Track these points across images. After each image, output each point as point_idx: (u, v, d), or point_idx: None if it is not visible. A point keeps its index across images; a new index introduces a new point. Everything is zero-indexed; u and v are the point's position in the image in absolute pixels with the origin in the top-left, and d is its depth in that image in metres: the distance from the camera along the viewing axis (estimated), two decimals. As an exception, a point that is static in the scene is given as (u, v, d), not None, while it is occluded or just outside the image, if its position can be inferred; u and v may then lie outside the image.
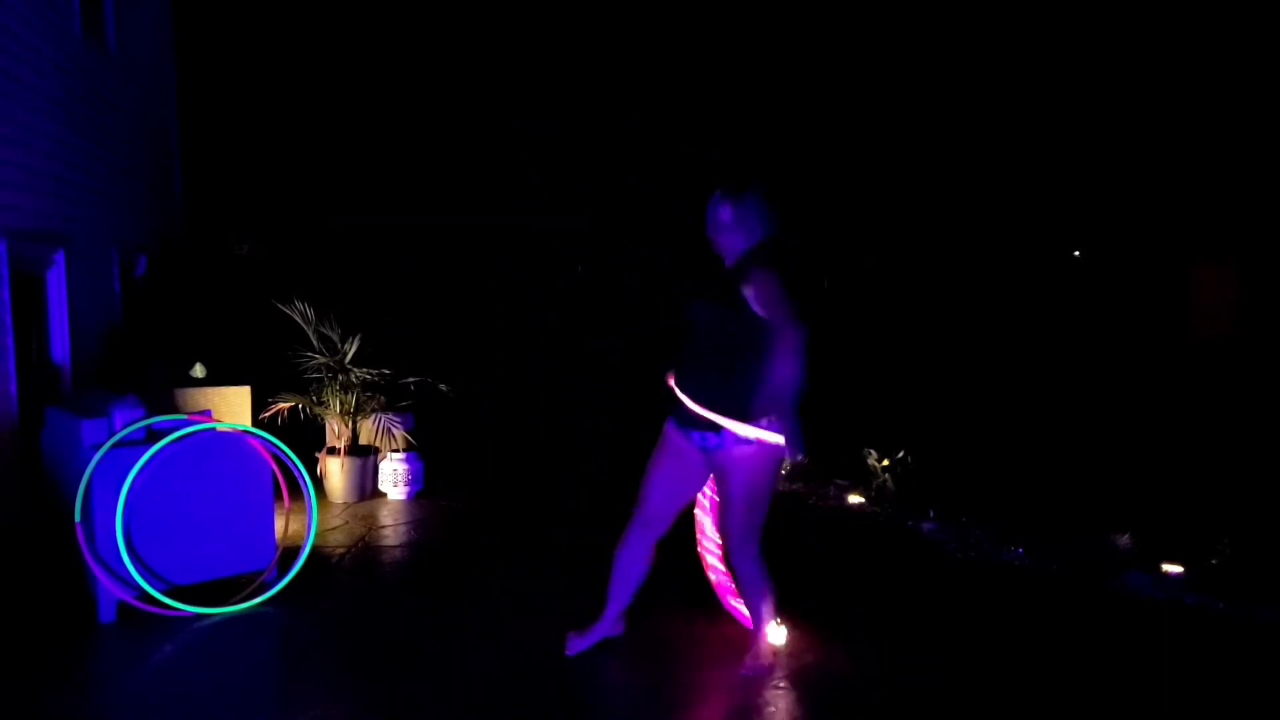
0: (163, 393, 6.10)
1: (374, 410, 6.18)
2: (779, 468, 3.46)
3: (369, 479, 6.23)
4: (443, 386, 6.54)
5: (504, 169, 19.18)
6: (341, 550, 5.18)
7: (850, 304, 17.39)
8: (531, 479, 7.03)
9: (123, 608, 4.08)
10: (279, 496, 4.73)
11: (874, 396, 10.15)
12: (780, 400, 3.18)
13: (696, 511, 4.04)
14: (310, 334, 6.25)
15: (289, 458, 4.51)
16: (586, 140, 19.18)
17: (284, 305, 6.27)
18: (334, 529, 5.56)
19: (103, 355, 6.97)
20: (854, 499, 6.29)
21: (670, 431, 3.59)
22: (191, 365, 6.60)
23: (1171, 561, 4.80)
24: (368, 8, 17.96)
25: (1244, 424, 9.20)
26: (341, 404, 6.18)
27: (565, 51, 19.38)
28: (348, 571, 4.89)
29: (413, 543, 5.38)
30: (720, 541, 3.83)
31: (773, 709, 3.41)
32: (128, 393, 4.42)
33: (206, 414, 4.61)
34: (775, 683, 3.57)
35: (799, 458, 3.31)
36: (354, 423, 6.24)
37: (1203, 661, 3.89)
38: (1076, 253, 20.89)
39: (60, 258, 6.25)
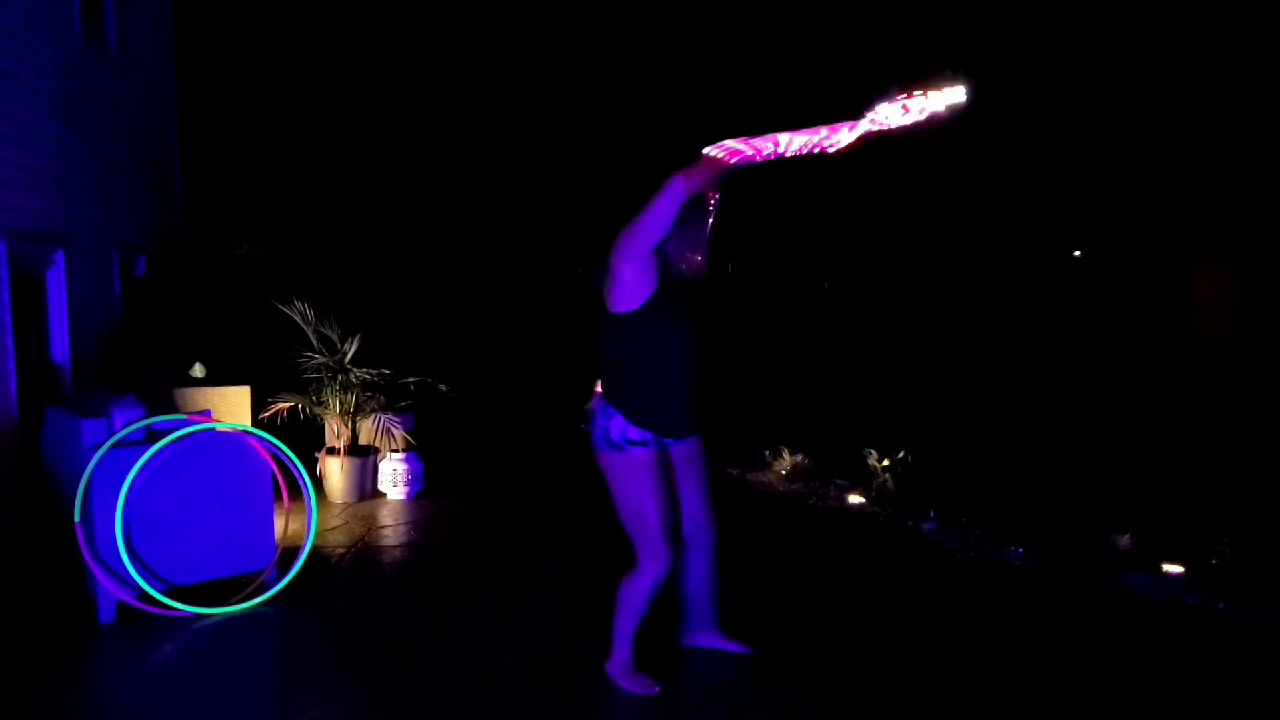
0: (162, 393, 6.09)
1: (374, 410, 6.18)
2: (639, 468, 3.36)
3: (369, 479, 6.23)
4: (442, 386, 6.54)
5: (504, 169, 19.17)
6: (341, 550, 5.18)
7: (850, 304, 17.39)
8: (531, 479, 7.03)
9: (122, 608, 4.08)
10: (279, 496, 4.74)
11: (874, 396, 10.15)
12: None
13: None
14: (310, 334, 6.25)
15: (289, 458, 4.51)
16: (586, 140, 19.17)
17: (284, 305, 6.27)
18: (334, 529, 5.56)
19: (102, 355, 6.97)
20: (854, 499, 6.29)
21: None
22: (191, 365, 6.60)
23: (1171, 561, 4.80)
24: (367, 8, 17.97)
25: (1244, 424, 9.19)
26: (341, 404, 6.18)
27: (565, 51, 19.38)
28: (347, 571, 4.89)
29: (412, 543, 5.38)
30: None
31: (773, 709, 3.41)
32: (127, 393, 4.42)
33: (206, 414, 4.61)
34: (775, 683, 3.56)
35: None
36: (354, 423, 6.24)
37: (1203, 661, 3.89)
38: (1077, 253, 20.91)
39: (60, 258, 6.25)
